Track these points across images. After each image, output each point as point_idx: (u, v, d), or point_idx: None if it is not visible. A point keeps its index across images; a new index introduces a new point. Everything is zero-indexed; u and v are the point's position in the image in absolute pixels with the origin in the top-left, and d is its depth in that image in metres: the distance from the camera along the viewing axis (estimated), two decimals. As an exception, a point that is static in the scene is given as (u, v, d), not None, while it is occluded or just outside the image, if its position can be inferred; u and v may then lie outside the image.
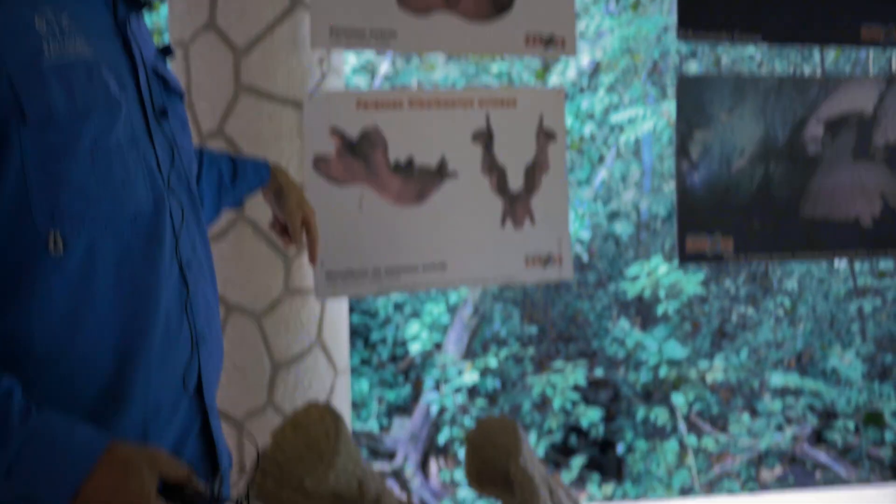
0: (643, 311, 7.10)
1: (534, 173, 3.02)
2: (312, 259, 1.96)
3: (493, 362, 6.54)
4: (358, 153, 2.83)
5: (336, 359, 3.14)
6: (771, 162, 3.13)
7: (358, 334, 7.11)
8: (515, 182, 3.00)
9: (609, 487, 6.37)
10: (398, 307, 6.73)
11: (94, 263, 1.12)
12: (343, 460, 2.66)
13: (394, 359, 6.86)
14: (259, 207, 2.52)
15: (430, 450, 5.98)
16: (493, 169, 3.01)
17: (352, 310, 7.10)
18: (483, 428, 2.88)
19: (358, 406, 6.26)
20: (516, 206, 3.02)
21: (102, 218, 1.11)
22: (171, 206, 1.23)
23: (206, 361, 1.35)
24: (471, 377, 5.88)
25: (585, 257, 6.67)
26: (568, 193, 3.05)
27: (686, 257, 3.10)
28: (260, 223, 2.91)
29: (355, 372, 6.61)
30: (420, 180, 2.95)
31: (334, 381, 3.12)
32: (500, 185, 3.01)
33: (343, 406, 3.20)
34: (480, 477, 2.86)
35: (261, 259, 2.94)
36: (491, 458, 2.84)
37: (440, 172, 2.95)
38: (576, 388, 6.52)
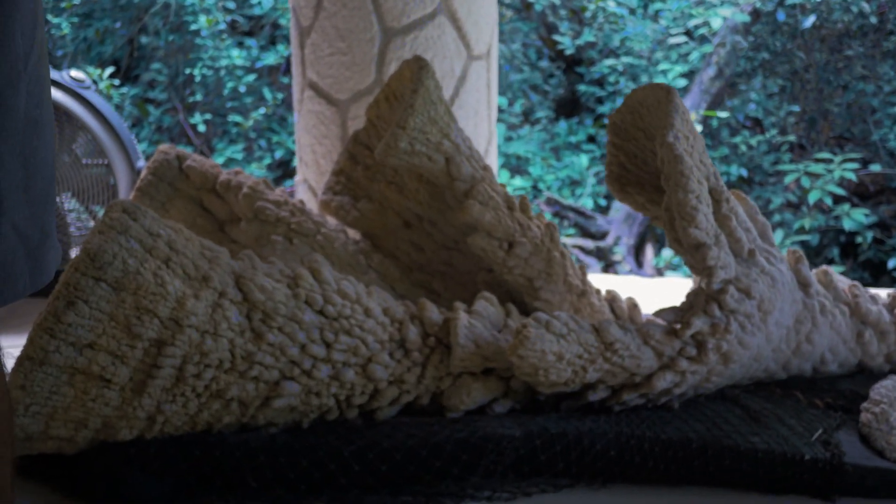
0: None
1: None
2: None
3: (741, 147, 5.50)
4: None
5: (472, 38, 2.42)
6: None
7: (588, 109, 6.30)
8: None
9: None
10: (633, 76, 5.80)
11: None
12: (420, 122, 1.96)
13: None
14: None
15: (647, 233, 5.19)
16: None
17: (581, 78, 6.27)
18: (630, 103, 2.07)
19: (575, 182, 5.55)
20: None
21: None
22: None
23: None
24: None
25: (874, 19, 5.28)
26: None
27: None
28: None
29: (577, 148, 5.86)
30: None
31: (467, 67, 2.43)
32: None
33: (480, 107, 2.51)
34: (623, 178, 2.09)
35: None
36: (639, 150, 2.04)
37: None
38: (843, 183, 5.35)
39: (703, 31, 5.14)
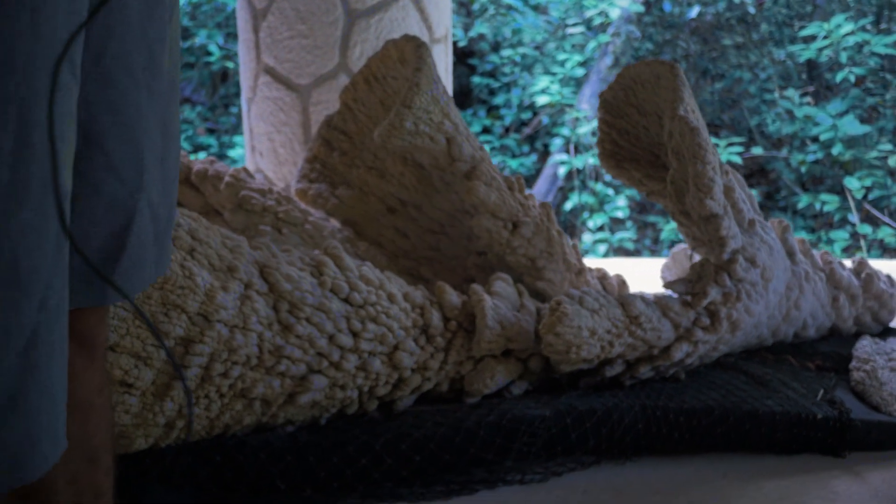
0: (818, 80, 6.00)
1: None
2: None
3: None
4: None
5: (433, 20, 2.38)
6: None
7: (480, 101, 6.34)
8: None
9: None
10: (527, 67, 5.88)
11: None
12: (424, 101, 1.90)
13: (519, 127, 6.08)
14: None
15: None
16: None
17: (473, 70, 6.30)
18: (623, 80, 2.08)
19: (476, 174, 5.57)
20: None
21: None
22: None
23: None
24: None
25: (752, 9, 5.56)
26: None
27: None
28: None
29: (475, 139, 5.87)
30: None
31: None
32: None
33: (441, 89, 2.46)
34: (617, 154, 2.10)
35: None
36: (632, 127, 2.06)
37: None
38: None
39: (599, 20, 5.27)
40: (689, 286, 1.78)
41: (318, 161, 2.08)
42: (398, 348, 1.60)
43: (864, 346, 2.00)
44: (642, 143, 1.92)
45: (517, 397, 1.73)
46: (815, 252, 2.12)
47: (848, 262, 2.22)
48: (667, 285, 1.80)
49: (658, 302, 1.71)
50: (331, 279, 1.54)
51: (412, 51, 1.79)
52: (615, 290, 2.06)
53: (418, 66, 1.74)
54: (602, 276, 2.07)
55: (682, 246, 2.31)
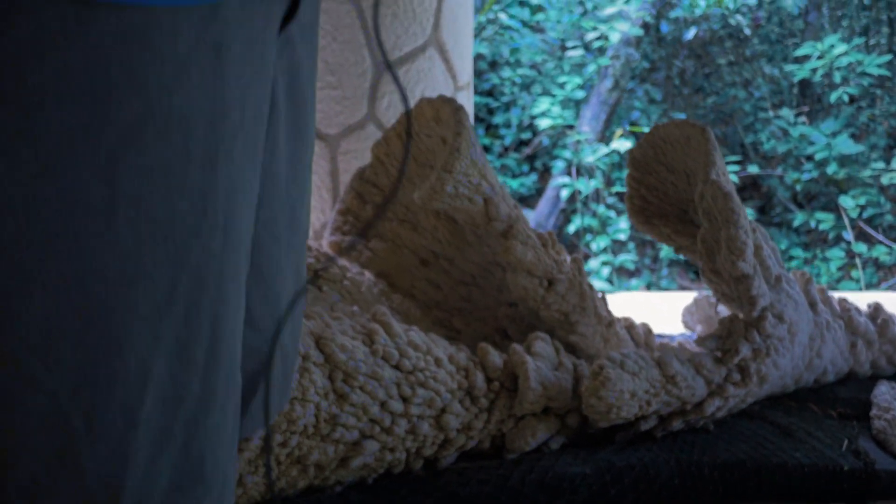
0: (812, 99, 6.09)
1: None
2: None
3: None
4: None
5: (457, 69, 2.43)
6: None
7: (479, 120, 6.40)
8: None
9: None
10: (525, 86, 5.94)
11: None
12: (464, 165, 1.98)
13: (518, 146, 6.14)
14: None
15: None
16: None
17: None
18: (652, 139, 2.14)
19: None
20: None
21: None
22: None
23: None
24: (609, 158, 5.12)
25: (748, 31, 5.65)
26: None
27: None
28: None
29: (474, 158, 5.93)
30: None
31: (454, 98, 2.43)
32: None
33: (464, 135, 2.52)
34: (646, 210, 2.16)
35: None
36: (661, 183, 2.12)
37: None
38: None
39: (599, 44, 5.35)
40: (719, 342, 1.84)
41: (351, 213, 2.13)
42: (445, 411, 1.65)
43: (883, 392, 2.06)
44: (671, 199, 1.98)
45: (555, 452, 1.79)
46: (833, 297, 2.19)
47: (863, 305, 2.29)
48: (698, 342, 1.86)
49: (691, 360, 1.77)
50: (382, 347, 1.59)
51: (450, 113, 1.85)
52: (642, 339, 2.12)
53: (458, 131, 1.79)
54: (629, 325, 2.12)
55: (706, 293, 2.37)
